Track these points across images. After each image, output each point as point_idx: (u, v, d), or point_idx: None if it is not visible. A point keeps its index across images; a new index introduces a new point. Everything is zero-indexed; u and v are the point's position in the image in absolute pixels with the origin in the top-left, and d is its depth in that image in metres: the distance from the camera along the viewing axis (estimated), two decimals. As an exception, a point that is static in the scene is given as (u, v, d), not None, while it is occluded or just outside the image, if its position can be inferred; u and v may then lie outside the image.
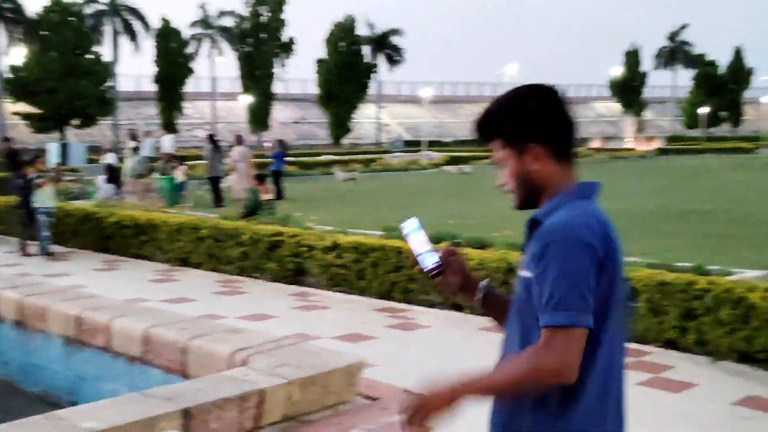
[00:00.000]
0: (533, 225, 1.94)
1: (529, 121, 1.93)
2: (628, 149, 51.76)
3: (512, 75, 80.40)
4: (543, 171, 1.95)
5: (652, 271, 6.71)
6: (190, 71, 56.70)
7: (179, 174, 20.79)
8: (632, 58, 78.00)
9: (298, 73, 65.91)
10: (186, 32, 58.35)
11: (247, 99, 59.03)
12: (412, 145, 60.38)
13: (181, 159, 24.22)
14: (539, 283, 1.81)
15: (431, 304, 8.19)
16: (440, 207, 18.59)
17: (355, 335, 7.17)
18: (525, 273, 1.89)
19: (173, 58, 54.60)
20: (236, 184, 19.64)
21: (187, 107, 60.80)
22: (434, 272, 2.09)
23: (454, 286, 2.12)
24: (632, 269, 6.83)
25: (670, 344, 6.41)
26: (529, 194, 1.98)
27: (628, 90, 77.42)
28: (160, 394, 4.11)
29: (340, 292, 9.04)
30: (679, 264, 8.33)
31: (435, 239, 8.05)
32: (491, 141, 2.00)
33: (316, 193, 23.47)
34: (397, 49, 68.26)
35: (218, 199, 19.47)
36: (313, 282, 9.44)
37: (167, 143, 26.58)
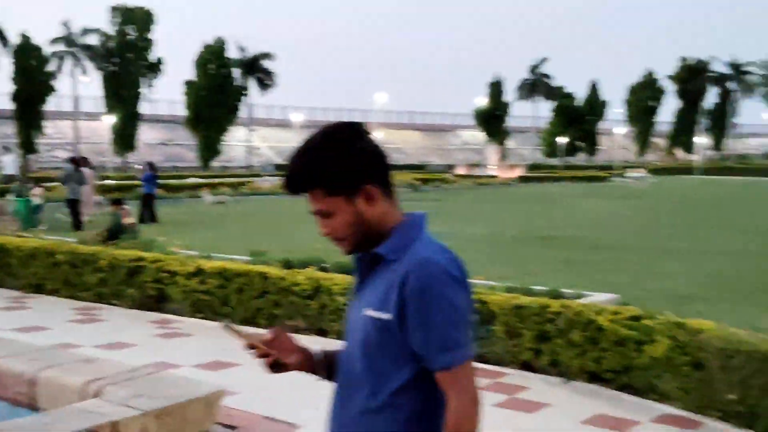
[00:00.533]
0: (375, 260, 1.87)
1: (357, 162, 1.82)
2: (492, 176, 53.53)
3: (382, 103, 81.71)
4: (378, 211, 1.86)
5: (509, 295, 6.96)
6: (51, 89, 54.39)
7: (36, 196, 19.86)
8: (495, 89, 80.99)
9: (166, 94, 64.51)
10: (48, 49, 56.04)
11: (111, 119, 57.16)
12: (283, 168, 59.97)
13: (38, 180, 23.14)
14: (420, 327, 1.75)
15: (296, 330, 8.16)
16: (308, 231, 18.60)
17: (217, 363, 7.04)
18: (377, 314, 1.81)
19: (33, 76, 52.24)
20: (82, 207, 19.22)
21: (48, 127, 58.20)
22: (270, 364, 1.95)
23: (295, 367, 1.99)
24: (490, 293, 7.06)
25: (526, 366, 6.65)
26: (365, 238, 1.87)
27: (492, 119, 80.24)
28: (5, 429, 3.89)
29: (204, 318, 8.86)
30: (536, 288, 8.69)
31: (303, 263, 8.04)
32: (307, 191, 1.84)
33: (183, 217, 22.96)
34: (268, 73, 68.04)
35: (77, 222, 18.71)
36: (175, 309, 9.21)
37: (9, 163, 25.36)
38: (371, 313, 1.82)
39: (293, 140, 76.72)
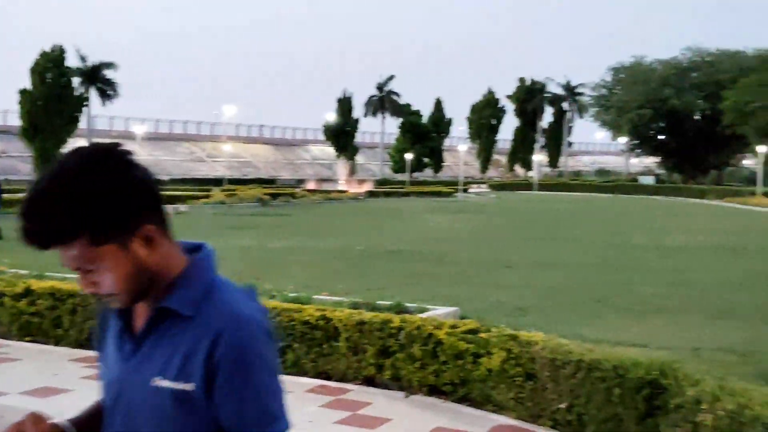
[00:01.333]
0: (162, 316, 1.51)
1: (128, 198, 1.43)
2: (341, 191, 53.90)
3: (231, 115, 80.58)
4: (160, 255, 1.49)
5: (351, 311, 7.00)
6: None
7: None
8: (345, 104, 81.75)
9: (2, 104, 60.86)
10: None
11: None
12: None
13: None
14: (234, 398, 1.46)
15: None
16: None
17: (47, 389, 6.65)
18: (175, 385, 1.47)
19: None
20: None
21: None
22: None
23: None
24: (334, 310, 7.08)
25: (369, 381, 6.70)
26: (145, 289, 1.50)
27: (342, 135, 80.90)
28: None
29: (33, 342, 8.35)
30: (382, 302, 8.81)
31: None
32: (65, 243, 1.41)
33: (15, 234, 21.62)
34: (110, 83, 65.46)
35: None
36: (2, 332, 8.63)
37: None
38: (166, 383, 1.47)
39: (136, 153, 74.22)
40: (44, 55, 55.56)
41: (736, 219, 33.47)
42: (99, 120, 74.86)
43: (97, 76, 64.39)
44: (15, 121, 59.13)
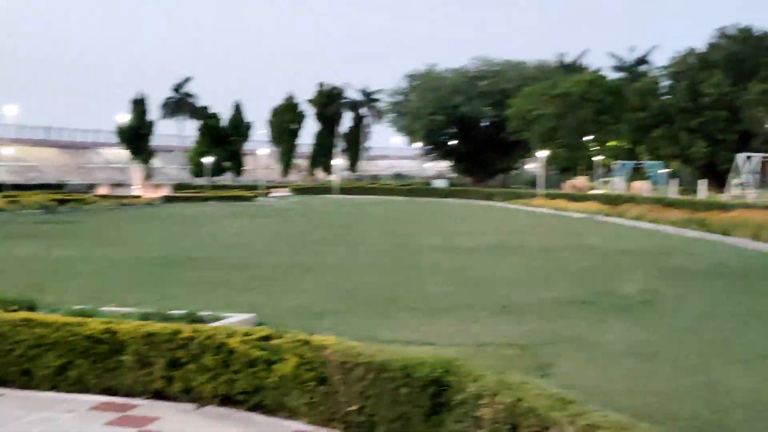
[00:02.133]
0: None
1: None
2: (136, 196, 51.87)
3: (13, 116, 75.24)
4: None
5: (139, 323, 6.74)
6: None
7: None
8: (139, 106, 78.81)
9: None
10: None
11: None
12: None
13: None
14: None
15: None
16: None
17: None
18: None
19: None
20: None
21: None
22: None
23: None
24: (120, 322, 6.78)
25: (158, 395, 6.48)
26: None
27: (136, 137, 77.90)
28: None
29: None
30: (175, 312, 8.55)
31: None
32: None
33: None
34: None
35: None
36: None
37: None
38: None
39: None
40: None
41: (519, 220, 35.77)
42: None
43: None
44: None
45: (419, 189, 72.20)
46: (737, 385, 7.24)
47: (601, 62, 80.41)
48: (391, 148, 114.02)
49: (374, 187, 77.68)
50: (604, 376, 7.48)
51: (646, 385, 7.16)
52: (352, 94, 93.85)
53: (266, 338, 6.28)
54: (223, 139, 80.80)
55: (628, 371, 7.72)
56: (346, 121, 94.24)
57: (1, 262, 16.42)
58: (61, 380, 6.69)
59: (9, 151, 71.43)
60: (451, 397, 5.09)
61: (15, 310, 7.56)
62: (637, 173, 61.26)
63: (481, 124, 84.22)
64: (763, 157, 47.30)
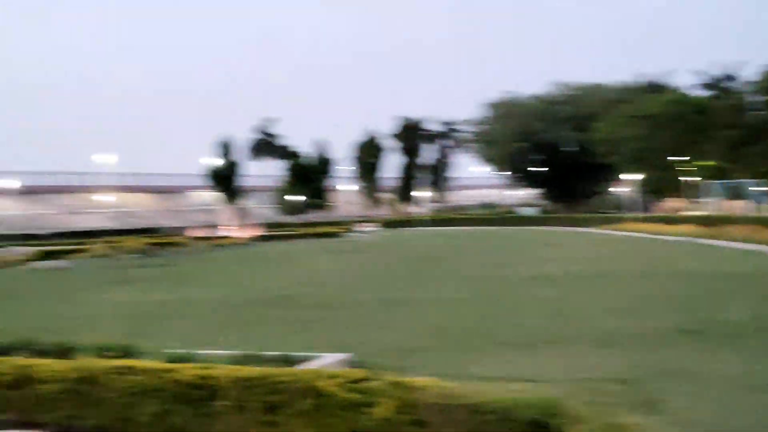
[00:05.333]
0: None
1: None
2: (226, 237, 52.91)
3: (109, 164, 78.12)
4: None
5: (233, 368, 6.70)
6: None
7: None
8: (225, 148, 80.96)
9: None
10: None
11: None
12: (2, 239, 55.35)
13: None
14: None
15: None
16: (32, 308, 17.10)
17: None
18: None
19: None
20: None
21: None
22: None
23: None
24: (215, 367, 6.75)
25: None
26: None
27: (225, 179, 79.91)
28: None
29: None
30: (270, 353, 8.52)
31: (5, 349, 7.19)
32: None
33: None
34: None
35: None
36: None
37: None
38: None
39: (12, 208, 70.92)
40: None
41: (613, 245, 34.82)
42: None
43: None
44: None
45: (505, 217, 71.33)
46: None
47: (686, 81, 78.51)
48: (474, 177, 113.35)
49: (460, 217, 77.20)
50: (721, 412, 7.00)
51: (769, 421, 6.67)
52: (434, 126, 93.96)
53: (361, 380, 6.12)
54: (310, 176, 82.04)
55: (747, 407, 7.20)
56: (428, 152, 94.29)
57: (99, 308, 16.88)
58: (158, 427, 6.69)
59: (111, 198, 74.25)
60: (555, 439, 4.83)
61: (112, 357, 7.65)
62: (733, 192, 58.95)
63: (564, 149, 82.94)
64: None
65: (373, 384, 6.02)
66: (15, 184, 66.56)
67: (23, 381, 7.13)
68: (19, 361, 7.48)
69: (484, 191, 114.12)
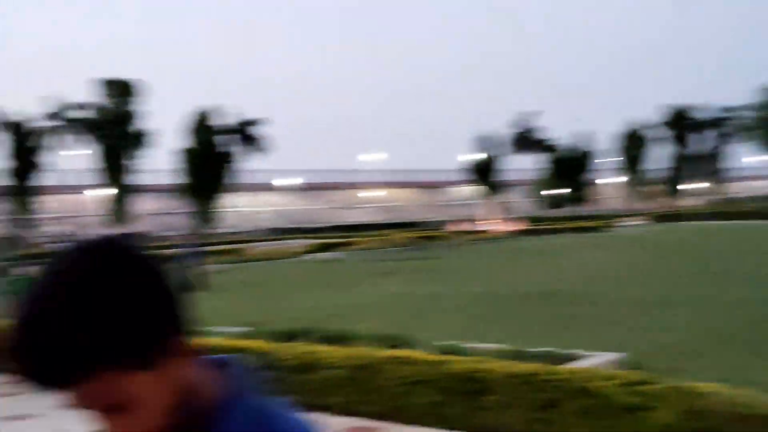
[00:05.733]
0: None
1: (155, 308, 1.03)
2: (490, 231, 53.34)
3: (377, 161, 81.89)
4: (194, 372, 1.10)
5: (505, 363, 6.69)
6: (40, 165, 55.75)
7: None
8: (485, 143, 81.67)
9: (154, 164, 64.75)
10: (39, 124, 56.86)
11: (102, 192, 57.70)
12: (286, 232, 60.53)
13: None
14: None
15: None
16: (308, 298, 18.42)
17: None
18: None
19: (25, 152, 53.33)
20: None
21: (37, 202, 58.39)
22: None
23: None
24: (487, 361, 6.78)
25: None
26: (187, 420, 1.08)
27: (485, 173, 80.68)
28: None
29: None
30: (536, 350, 8.41)
31: (287, 335, 7.76)
32: (87, 377, 0.98)
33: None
34: (255, 139, 67.30)
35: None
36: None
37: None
38: None
39: (291, 204, 77.00)
40: (198, 114, 59.55)
41: None
42: (252, 174, 78.03)
43: (245, 133, 66.40)
44: (172, 180, 63.08)
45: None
46: None
47: None
48: (754, 167, 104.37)
49: (738, 211, 71.42)
50: None
51: None
52: (700, 113, 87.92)
53: (640, 383, 5.84)
54: (570, 169, 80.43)
55: None
56: (700, 142, 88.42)
57: (372, 299, 17.74)
58: (430, 418, 6.85)
59: (381, 193, 78.15)
60: None
61: (388, 346, 7.98)
62: None
63: None
64: None
65: (653, 387, 5.72)
66: (298, 181, 71.97)
67: (309, 366, 7.65)
68: (305, 347, 8.04)
69: (758, 182, 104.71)
